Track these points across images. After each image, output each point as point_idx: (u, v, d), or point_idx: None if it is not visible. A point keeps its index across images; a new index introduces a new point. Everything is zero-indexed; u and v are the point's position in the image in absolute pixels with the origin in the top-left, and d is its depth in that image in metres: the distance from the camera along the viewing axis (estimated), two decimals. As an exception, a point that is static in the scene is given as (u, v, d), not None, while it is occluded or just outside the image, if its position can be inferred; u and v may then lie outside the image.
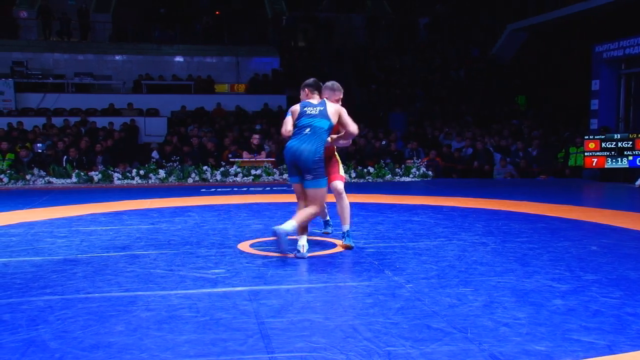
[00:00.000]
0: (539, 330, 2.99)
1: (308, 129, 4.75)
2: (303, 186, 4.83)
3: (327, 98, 4.98)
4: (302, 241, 4.78)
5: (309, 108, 4.87)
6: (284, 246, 4.62)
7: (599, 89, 12.81)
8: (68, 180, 11.08)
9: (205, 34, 20.83)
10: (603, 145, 11.07)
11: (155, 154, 12.66)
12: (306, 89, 5.02)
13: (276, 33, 21.22)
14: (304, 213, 4.75)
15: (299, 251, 4.73)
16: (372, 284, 3.88)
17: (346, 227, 5.11)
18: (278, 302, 3.46)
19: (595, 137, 11.27)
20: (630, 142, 10.99)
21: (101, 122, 15.66)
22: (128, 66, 19.59)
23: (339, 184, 5.08)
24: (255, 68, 19.99)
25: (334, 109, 4.89)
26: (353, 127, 4.93)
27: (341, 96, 5.07)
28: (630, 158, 10.98)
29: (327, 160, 5.05)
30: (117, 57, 19.83)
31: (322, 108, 4.85)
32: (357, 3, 23.03)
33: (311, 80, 5.10)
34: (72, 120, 15.68)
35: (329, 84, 5.09)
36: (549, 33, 19.06)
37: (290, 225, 4.60)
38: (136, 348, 2.78)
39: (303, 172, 4.72)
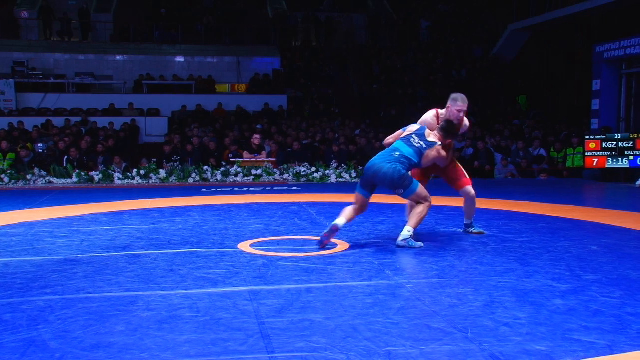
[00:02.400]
0: (539, 330, 2.99)
1: (397, 153, 5.12)
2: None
3: (449, 107, 5.41)
4: (405, 231, 5.05)
5: (416, 138, 5.21)
6: (417, 245, 5.00)
7: (599, 88, 12.80)
8: (69, 180, 11.09)
9: (206, 34, 20.85)
10: (604, 145, 11.07)
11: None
12: (437, 132, 5.34)
13: (277, 33, 21.23)
14: (416, 215, 5.09)
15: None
16: (372, 284, 3.88)
17: (469, 220, 5.76)
18: (278, 302, 3.46)
19: (596, 137, 11.27)
20: (631, 142, 10.99)
21: (102, 122, 15.68)
22: (129, 66, 19.61)
23: (471, 189, 5.56)
24: (256, 68, 20.00)
25: (432, 157, 5.21)
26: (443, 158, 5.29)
27: (462, 107, 5.40)
28: (631, 158, 10.97)
29: (450, 166, 5.58)
30: (118, 57, 19.85)
31: (425, 146, 5.17)
32: (359, 3, 23.04)
33: (445, 124, 5.32)
34: (73, 120, 15.71)
35: (453, 95, 5.49)
36: (550, 33, 19.05)
37: (407, 232, 5.03)
38: (137, 348, 2.78)
39: (385, 186, 5.14)
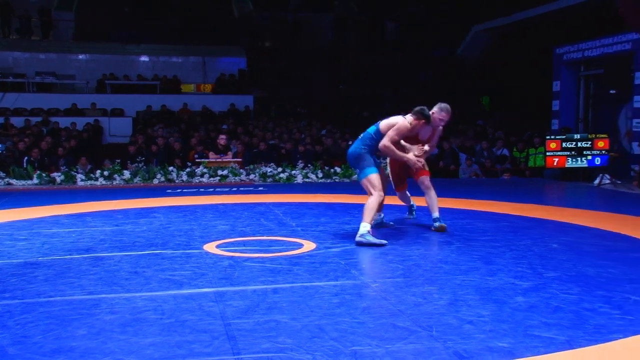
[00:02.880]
0: (501, 327, 3.05)
1: (360, 135, 5.55)
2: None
3: (433, 113, 5.76)
4: (362, 228, 5.16)
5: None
6: (376, 242, 5.07)
7: (559, 90, 13.12)
8: (29, 182, 10.82)
9: (171, 34, 20.61)
10: (564, 145, 11.33)
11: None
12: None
13: (243, 33, 21.11)
14: (366, 209, 5.21)
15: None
16: (338, 284, 3.90)
17: (435, 214, 5.93)
18: (244, 303, 3.45)
19: (557, 137, 11.53)
20: (589, 142, 11.28)
21: (64, 122, 15.35)
22: (92, 65, 19.25)
23: (426, 179, 5.92)
24: (221, 68, 19.87)
25: (389, 122, 5.46)
26: (381, 142, 5.42)
27: (445, 117, 5.84)
28: (589, 158, 11.27)
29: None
30: (81, 56, 19.48)
31: (385, 119, 5.51)
32: (325, 3, 23.07)
33: (419, 107, 5.63)
34: (34, 120, 15.34)
35: (442, 104, 5.89)
36: (512, 35, 19.41)
37: (363, 227, 5.11)
38: (99, 352, 2.74)
39: (353, 167, 5.53)
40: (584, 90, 13.13)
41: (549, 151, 11.43)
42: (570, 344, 2.81)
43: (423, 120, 5.58)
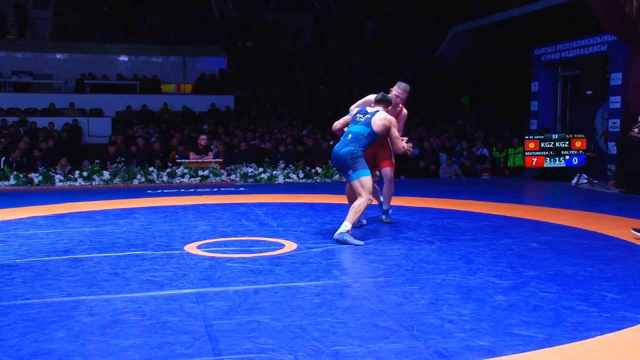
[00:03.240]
0: (482, 325, 3.08)
1: (350, 135, 5.47)
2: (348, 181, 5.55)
3: (391, 90, 5.96)
4: (343, 226, 5.24)
5: (359, 115, 5.59)
6: (354, 242, 5.15)
7: (537, 90, 13.28)
8: (6, 183, 10.65)
9: (150, 33, 20.45)
10: (542, 145, 11.46)
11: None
12: (373, 104, 5.70)
13: (223, 33, 21.03)
14: (353, 210, 5.30)
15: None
16: (320, 284, 3.90)
17: (387, 206, 6.27)
18: (225, 304, 3.44)
19: (535, 137, 11.66)
20: (567, 142, 11.43)
21: (42, 122, 15.15)
22: (70, 65, 19.02)
23: (390, 171, 6.09)
24: (202, 68, 19.77)
25: (382, 122, 5.46)
26: (397, 146, 5.65)
27: (401, 95, 6.03)
28: (567, 158, 11.41)
29: (380, 148, 6.02)
30: (58, 56, 19.23)
31: (369, 116, 5.51)
32: (305, 3, 23.08)
33: (379, 95, 5.72)
34: (10, 120, 15.11)
35: (400, 82, 6.07)
36: (491, 35, 19.60)
37: (344, 226, 5.20)
38: (78, 354, 2.71)
39: (344, 169, 5.44)
40: (561, 91, 13.30)
41: (527, 151, 11.56)
42: (549, 342, 2.84)
43: (390, 106, 5.78)
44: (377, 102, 5.67)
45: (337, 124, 5.95)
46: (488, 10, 18.34)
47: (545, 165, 11.52)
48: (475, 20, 19.06)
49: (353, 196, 5.53)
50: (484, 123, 16.84)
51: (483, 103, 19.17)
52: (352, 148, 5.38)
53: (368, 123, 5.48)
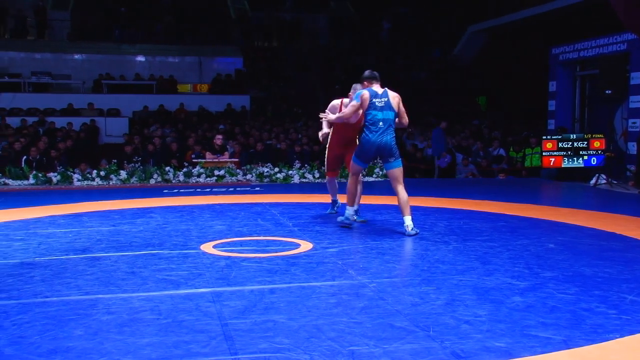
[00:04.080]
0: (498, 327, 3.05)
1: (381, 123, 5.49)
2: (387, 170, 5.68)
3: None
4: (408, 221, 5.55)
5: (377, 100, 5.54)
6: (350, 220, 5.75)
7: (555, 90, 13.15)
8: (25, 182, 10.79)
9: (167, 34, 20.58)
10: (560, 145, 11.35)
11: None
12: (370, 81, 5.68)
13: (239, 33, 21.10)
14: (404, 201, 5.56)
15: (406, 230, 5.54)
16: (335, 284, 3.90)
17: (357, 206, 6.25)
18: (241, 303, 3.45)
19: (553, 137, 11.55)
20: (585, 142, 11.30)
21: (60, 122, 15.32)
22: (87, 65, 19.23)
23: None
24: (218, 68, 19.86)
25: (396, 100, 5.63)
26: (406, 120, 5.80)
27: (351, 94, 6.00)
28: (585, 158, 11.29)
29: (351, 145, 6.12)
30: (77, 56, 19.44)
31: (386, 99, 5.55)
32: (321, 4, 23.11)
33: (368, 72, 5.72)
34: (30, 120, 15.30)
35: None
36: (508, 35, 19.46)
37: (407, 220, 5.55)
38: (96, 352, 2.73)
39: (386, 157, 5.56)
40: (579, 91, 13.16)
41: (545, 151, 11.45)
42: (567, 344, 2.81)
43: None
44: (374, 79, 5.66)
45: (350, 113, 5.77)
46: (505, 10, 18.21)
47: (563, 166, 11.41)
48: (492, 20, 18.92)
49: (354, 186, 5.79)
50: (501, 123, 16.71)
51: (499, 103, 19.04)
52: (392, 135, 5.54)
53: (390, 106, 5.54)
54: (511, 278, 4.02)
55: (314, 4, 22.71)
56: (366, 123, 5.60)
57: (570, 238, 5.49)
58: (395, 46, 21.82)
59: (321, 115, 6.14)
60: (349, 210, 5.88)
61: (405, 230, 5.53)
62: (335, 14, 22.76)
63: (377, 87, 5.66)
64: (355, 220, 6.05)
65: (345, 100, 6.17)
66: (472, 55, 20.92)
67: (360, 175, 6.16)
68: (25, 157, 11.77)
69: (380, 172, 12.01)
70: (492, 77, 20.17)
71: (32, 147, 12.06)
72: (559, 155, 11.35)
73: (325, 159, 6.67)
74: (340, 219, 6.03)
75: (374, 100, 5.55)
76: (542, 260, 4.57)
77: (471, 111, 18.48)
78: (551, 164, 11.45)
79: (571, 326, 3.06)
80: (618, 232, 5.75)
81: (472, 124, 16.65)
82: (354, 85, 6.04)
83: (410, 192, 6.44)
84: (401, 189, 5.59)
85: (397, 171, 5.61)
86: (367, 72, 5.73)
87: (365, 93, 5.59)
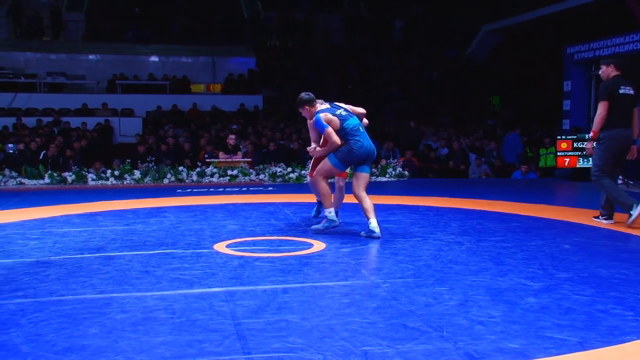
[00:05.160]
0: (512, 328, 3.03)
1: (360, 127, 5.48)
2: (360, 172, 5.57)
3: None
4: (375, 223, 5.47)
5: (338, 112, 5.48)
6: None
7: (570, 89, 13.03)
8: (41, 181, 10.90)
9: (180, 34, 20.68)
10: (575, 145, 11.25)
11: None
12: (312, 103, 5.57)
13: (252, 33, 21.15)
14: (369, 204, 5.50)
15: (374, 232, 5.43)
16: (348, 284, 3.89)
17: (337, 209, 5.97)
18: (254, 303, 3.46)
19: (568, 137, 11.45)
20: (601, 143, 11.17)
21: (75, 122, 15.45)
22: (102, 66, 19.37)
23: (341, 180, 5.98)
24: (231, 68, 19.92)
25: (346, 105, 5.67)
26: (363, 111, 5.82)
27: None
28: (601, 158, 11.16)
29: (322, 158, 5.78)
30: (91, 57, 19.60)
31: (342, 109, 5.54)
32: (334, 3, 23.11)
33: (306, 95, 5.60)
34: (45, 120, 15.45)
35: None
36: (522, 34, 19.34)
37: (373, 223, 5.44)
38: (111, 350, 2.75)
39: (370, 161, 5.57)
40: (595, 90, 13.03)
41: (560, 151, 11.36)
42: (582, 346, 2.79)
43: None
44: (315, 100, 5.59)
45: (337, 139, 5.44)
46: (519, 9, 18.09)
47: (578, 166, 11.31)
48: (506, 19, 18.81)
49: (328, 187, 5.61)
50: (515, 123, 16.61)
51: (513, 103, 18.92)
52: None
53: (349, 112, 5.53)
54: (525, 279, 3.99)
55: (327, 4, 22.71)
56: (348, 133, 5.40)
57: (586, 239, 5.44)
58: (409, 46, 21.76)
59: (309, 150, 5.79)
60: (332, 213, 5.62)
61: (374, 232, 5.42)
62: (349, 14, 22.74)
63: (322, 105, 5.56)
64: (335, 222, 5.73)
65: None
66: (485, 55, 20.82)
67: (341, 183, 5.97)
68: (43, 151, 11.90)
69: (394, 172, 12.00)
70: (506, 76, 20.05)
71: (51, 145, 12.18)
72: (573, 155, 11.25)
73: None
74: (317, 226, 5.72)
75: (336, 113, 5.43)
76: (556, 261, 4.53)
77: (485, 111, 18.38)
78: (566, 164, 11.36)
79: (587, 328, 3.03)
80: (634, 233, 5.69)
81: (485, 124, 16.56)
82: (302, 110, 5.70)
83: (424, 192, 6.43)
84: (365, 193, 5.54)
85: (368, 175, 5.66)
86: (306, 96, 5.55)
87: (326, 114, 5.41)
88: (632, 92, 6.22)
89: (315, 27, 21.88)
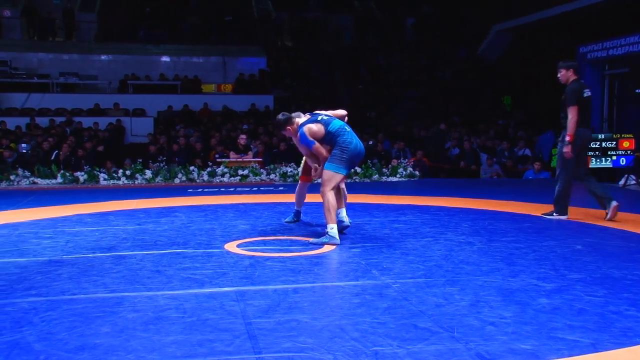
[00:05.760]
0: (524, 329, 3.02)
1: (347, 127, 5.41)
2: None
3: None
4: (343, 213, 5.54)
5: (319, 118, 5.41)
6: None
7: (583, 89, 12.91)
8: (53, 181, 10.98)
9: (191, 34, 20.75)
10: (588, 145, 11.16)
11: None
12: (291, 122, 5.55)
13: (263, 33, 21.18)
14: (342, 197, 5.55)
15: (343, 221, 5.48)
16: (359, 284, 3.89)
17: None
18: (265, 303, 3.46)
19: (580, 137, 11.34)
20: (614, 142, 11.10)
21: (87, 122, 15.55)
22: (114, 66, 19.48)
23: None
24: (242, 68, 19.96)
25: (326, 112, 5.63)
26: (344, 112, 5.80)
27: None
28: (614, 158, 11.09)
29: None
30: (103, 57, 19.71)
31: (323, 115, 5.48)
32: (345, 3, 23.08)
33: (284, 116, 5.63)
34: (57, 120, 15.57)
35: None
36: (534, 34, 19.20)
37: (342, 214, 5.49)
38: (122, 349, 2.76)
39: (358, 164, 5.37)
40: (608, 90, 12.92)
41: (572, 151, 11.25)
42: (595, 347, 2.77)
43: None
44: (295, 117, 5.59)
45: (325, 151, 5.39)
46: (531, 8, 17.97)
47: (590, 166, 11.21)
48: (518, 19, 18.69)
49: (335, 199, 5.35)
50: (526, 123, 16.51)
51: (525, 102, 18.80)
52: None
53: (331, 117, 5.48)
54: (537, 279, 3.96)
55: (338, 3, 22.69)
56: (334, 134, 5.27)
57: (598, 239, 5.39)
58: (420, 46, 21.70)
59: (314, 176, 5.69)
60: (334, 229, 5.21)
61: (344, 222, 5.50)
62: (360, 14, 22.71)
63: (302, 118, 5.53)
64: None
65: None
66: (497, 55, 20.70)
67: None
68: (56, 151, 11.99)
69: (404, 172, 11.97)
70: (517, 76, 19.92)
71: (63, 145, 12.28)
72: (586, 155, 11.16)
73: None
74: (315, 240, 5.29)
75: (318, 120, 5.35)
76: (569, 261, 4.50)
77: (496, 111, 18.29)
78: (578, 164, 11.26)
79: (599, 329, 3.01)
80: (647, 234, 5.63)
81: (497, 124, 16.48)
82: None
83: (435, 192, 6.41)
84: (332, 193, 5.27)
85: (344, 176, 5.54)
86: (282, 117, 5.59)
87: (310, 127, 5.30)
88: (590, 94, 6.63)
89: (326, 27, 21.86)
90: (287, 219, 6.41)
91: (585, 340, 2.85)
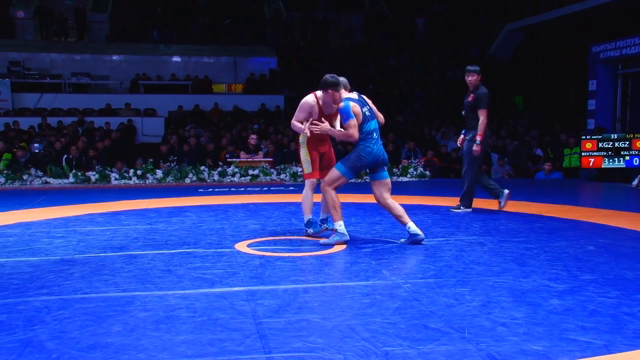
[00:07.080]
0: (536, 330, 3.00)
1: (375, 134, 5.14)
2: (379, 179, 5.24)
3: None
4: (414, 225, 5.21)
5: (365, 108, 5.13)
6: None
7: (595, 89, 12.84)
8: (65, 181, 11.06)
9: (202, 34, 20.82)
10: (600, 145, 11.09)
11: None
12: (338, 88, 5.14)
13: (274, 33, 21.21)
14: (400, 210, 5.22)
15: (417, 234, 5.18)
16: (369, 284, 3.88)
17: (325, 215, 5.74)
18: (275, 302, 3.46)
19: (593, 137, 11.29)
20: (627, 142, 11.02)
21: (98, 122, 15.65)
22: (125, 66, 19.60)
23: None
24: (252, 68, 20.00)
25: (372, 104, 5.32)
26: (382, 119, 5.48)
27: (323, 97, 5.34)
28: (627, 158, 11.00)
29: (327, 154, 5.62)
30: (114, 57, 19.83)
31: (369, 107, 5.20)
32: (355, 3, 23.05)
33: (333, 77, 5.23)
34: (70, 120, 15.67)
35: (344, 80, 5.37)
36: (546, 33, 19.10)
37: (413, 225, 5.17)
38: (133, 348, 2.78)
39: (381, 167, 5.21)
40: (621, 89, 12.81)
41: (584, 151, 11.20)
42: (608, 349, 2.74)
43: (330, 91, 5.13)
44: (343, 84, 5.20)
45: (357, 134, 5.08)
46: (542, 8, 17.87)
47: (603, 166, 11.14)
48: (529, 18, 18.59)
49: (336, 197, 5.28)
50: (538, 123, 16.41)
51: (537, 102, 18.70)
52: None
53: (373, 113, 5.20)
54: (549, 280, 3.93)
55: (348, 3, 22.67)
56: (361, 138, 5.05)
57: (611, 240, 5.35)
58: (430, 45, 21.63)
59: (312, 128, 5.17)
60: (342, 226, 5.17)
61: (418, 235, 5.11)
62: (370, 13, 22.68)
63: (351, 94, 5.18)
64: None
65: (319, 93, 5.36)
66: (508, 54, 20.60)
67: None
68: (65, 155, 12.07)
69: (415, 173, 11.93)
70: (529, 76, 19.81)
71: (72, 146, 12.36)
72: (599, 155, 11.09)
73: (308, 160, 5.67)
74: (326, 241, 5.24)
75: (364, 110, 5.07)
76: (581, 262, 4.46)
77: (507, 111, 18.19)
78: (590, 164, 11.20)
79: (612, 330, 2.98)
80: (661, 235, 5.58)
81: (508, 124, 16.39)
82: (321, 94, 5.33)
83: (445, 192, 6.38)
84: (391, 199, 5.26)
85: (389, 180, 5.30)
86: (331, 79, 5.15)
87: (355, 106, 5.02)
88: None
89: (337, 27, 21.85)
90: (313, 231, 5.67)
91: (597, 342, 2.82)
